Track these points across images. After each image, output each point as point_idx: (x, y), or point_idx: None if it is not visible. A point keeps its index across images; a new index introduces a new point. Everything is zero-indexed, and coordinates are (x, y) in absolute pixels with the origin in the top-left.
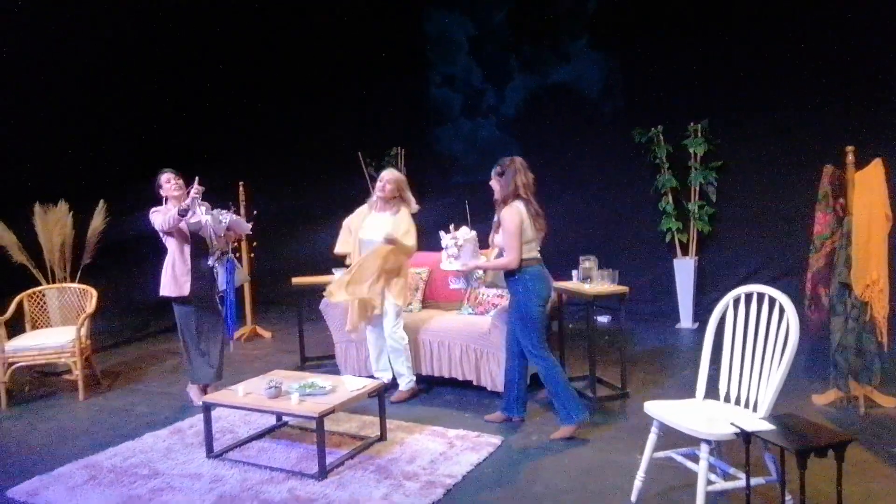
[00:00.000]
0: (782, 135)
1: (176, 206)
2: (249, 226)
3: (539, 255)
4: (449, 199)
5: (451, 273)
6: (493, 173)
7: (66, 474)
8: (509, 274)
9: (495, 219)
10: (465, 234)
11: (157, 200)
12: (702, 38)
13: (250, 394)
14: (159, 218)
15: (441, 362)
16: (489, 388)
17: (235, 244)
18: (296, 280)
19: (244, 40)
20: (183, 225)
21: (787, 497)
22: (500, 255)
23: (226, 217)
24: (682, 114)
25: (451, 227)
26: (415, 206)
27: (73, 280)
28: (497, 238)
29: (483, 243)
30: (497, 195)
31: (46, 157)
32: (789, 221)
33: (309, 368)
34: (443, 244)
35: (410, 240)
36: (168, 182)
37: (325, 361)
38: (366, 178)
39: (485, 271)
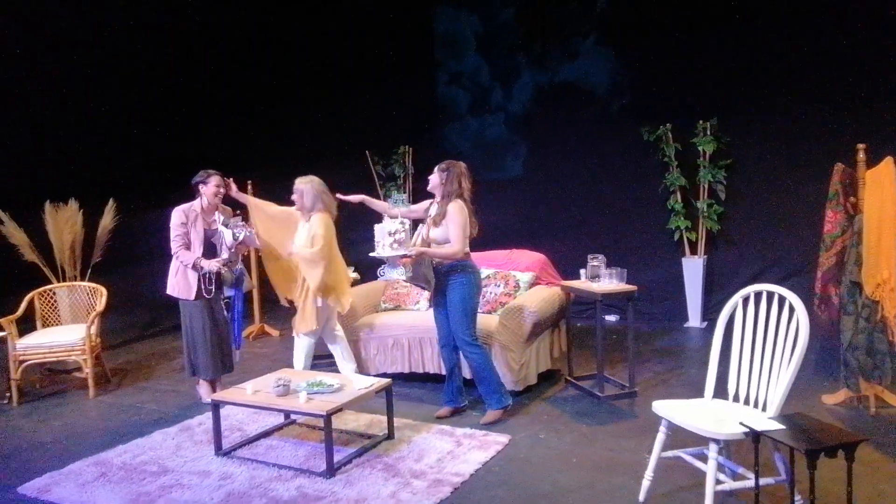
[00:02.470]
0: (792, 133)
1: (198, 256)
2: (259, 243)
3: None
4: None
5: (388, 261)
6: (436, 168)
7: (77, 471)
8: (452, 270)
9: (433, 213)
10: (407, 221)
11: (163, 197)
12: (711, 36)
13: (258, 392)
14: (179, 226)
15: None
16: None
17: (246, 253)
18: None
19: (252, 39)
20: (194, 235)
21: (797, 497)
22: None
23: (241, 233)
24: (691, 112)
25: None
26: (333, 213)
27: (83, 278)
28: (436, 232)
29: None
30: (436, 189)
31: (57, 156)
32: (799, 220)
33: (317, 367)
34: (386, 229)
35: (313, 244)
36: (218, 187)
37: (332, 360)
38: (374, 176)
39: (413, 264)
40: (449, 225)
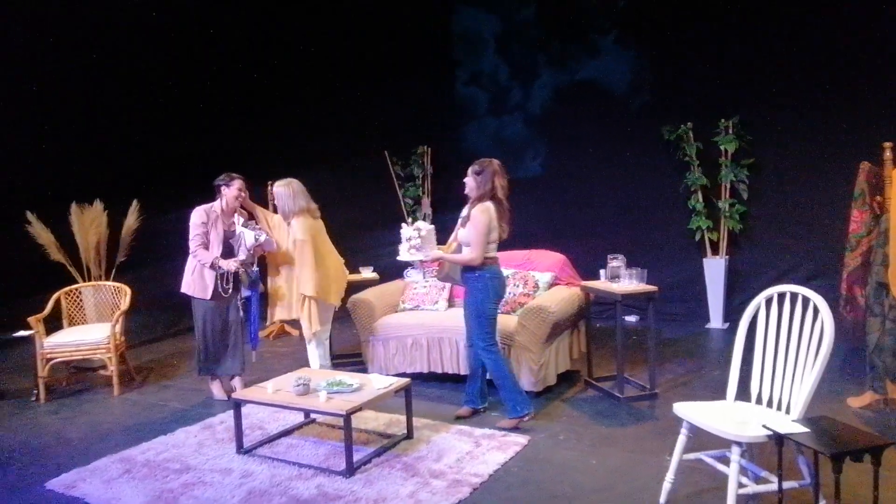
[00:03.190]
0: (816, 130)
1: (216, 256)
2: (277, 247)
3: (497, 255)
4: None
5: (413, 264)
6: (470, 171)
7: (102, 468)
8: (469, 270)
9: (464, 214)
10: (426, 226)
11: (185, 199)
12: (732, 33)
13: (279, 391)
14: (199, 225)
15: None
16: None
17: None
18: None
19: (271, 41)
20: (213, 235)
21: (822, 502)
22: (458, 249)
23: (261, 235)
24: (713, 110)
25: (409, 220)
26: (314, 215)
27: (108, 278)
28: (462, 233)
29: (441, 239)
30: (471, 192)
31: (82, 159)
32: (824, 220)
33: (336, 366)
34: (404, 235)
35: (295, 248)
36: (240, 190)
37: (352, 359)
38: (392, 177)
39: (440, 265)
40: (470, 229)
